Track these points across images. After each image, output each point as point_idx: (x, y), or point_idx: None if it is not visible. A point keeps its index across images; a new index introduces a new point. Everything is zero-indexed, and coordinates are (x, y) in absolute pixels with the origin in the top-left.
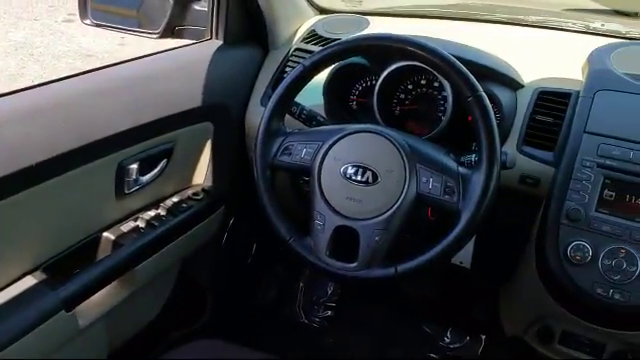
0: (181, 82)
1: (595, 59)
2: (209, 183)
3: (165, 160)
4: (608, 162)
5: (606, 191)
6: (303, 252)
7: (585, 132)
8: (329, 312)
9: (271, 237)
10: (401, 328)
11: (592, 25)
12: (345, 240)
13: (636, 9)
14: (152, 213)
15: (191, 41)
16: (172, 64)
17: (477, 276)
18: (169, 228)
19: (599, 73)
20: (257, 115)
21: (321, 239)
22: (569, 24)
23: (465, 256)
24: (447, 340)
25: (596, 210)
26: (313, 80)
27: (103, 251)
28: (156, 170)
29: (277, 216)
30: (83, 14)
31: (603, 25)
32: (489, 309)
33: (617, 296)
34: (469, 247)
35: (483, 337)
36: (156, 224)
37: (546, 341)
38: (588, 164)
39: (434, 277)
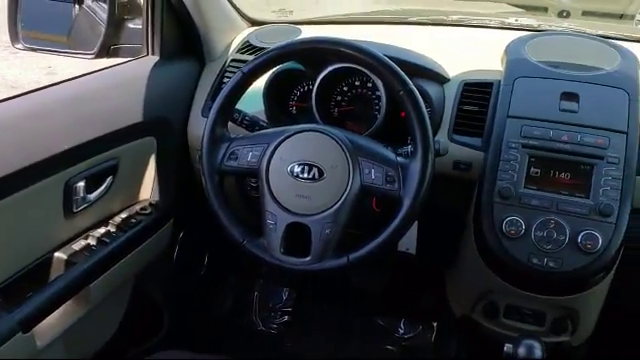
0: (120, 99)
1: (512, 50)
2: (156, 197)
3: (111, 177)
4: (531, 142)
5: (532, 169)
6: (258, 252)
7: (508, 117)
8: (286, 317)
9: (223, 247)
10: (356, 324)
11: (507, 21)
12: (298, 236)
13: (545, 5)
14: (102, 230)
15: (127, 59)
16: (110, 82)
17: (423, 262)
18: (119, 244)
19: (516, 62)
20: (199, 126)
21: (274, 238)
22: (486, 21)
23: (410, 242)
24: (401, 331)
25: (525, 187)
26: (253, 87)
27: (56, 271)
28: (102, 187)
29: (230, 220)
30: (14, 38)
31: (517, 20)
32: (438, 295)
33: (551, 264)
34: (413, 234)
35: (435, 324)
36: (107, 241)
37: (492, 316)
38: (514, 145)
39: (383, 270)
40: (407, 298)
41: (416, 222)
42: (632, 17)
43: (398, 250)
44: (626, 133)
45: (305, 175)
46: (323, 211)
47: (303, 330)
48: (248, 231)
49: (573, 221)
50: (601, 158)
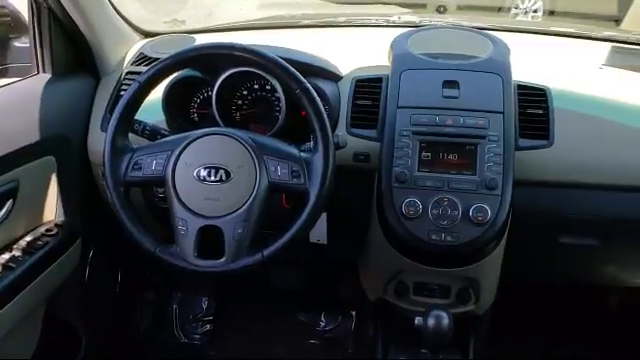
0: (13, 120)
1: (396, 46)
2: (61, 217)
3: (11, 200)
4: (420, 129)
5: (423, 153)
6: (171, 259)
7: (398, 107)
8: (208, 326)
9: (136, 263)
10: (279, 323)
11: (391, 19)
12: (211, 239)
13: (424, 2)
14: (7, 256)
15: (16, 79)
16: (1, 103)
17: (335, 251)
18: (26, 269)
19: (401, 57)
20: (99, 141)
21: (187, 243)
22: (372, 21)
23: (321, 233)
24: (322, 324)
25: (418, 170)
26: (152, 97)
27: None
28: (3, 211)
29: (139, 231)
30: None
31: (400, 18)
32: (353, 284)
33: (449, 238)
34: (323, 225)
35: (353, 313)
36: (12, 266)
37: (403, 295)
38: (405, 133)
39: (301, 267)
40: (325, 292)
41: (325, 213)
42: (508, 10)
43: (310, 242)
44: (502, 113)
45: (212, 178)
46: (234, 211)
47: (227, 336)
48: (159, 240)
49: (464, 197)
50: (483, 137)
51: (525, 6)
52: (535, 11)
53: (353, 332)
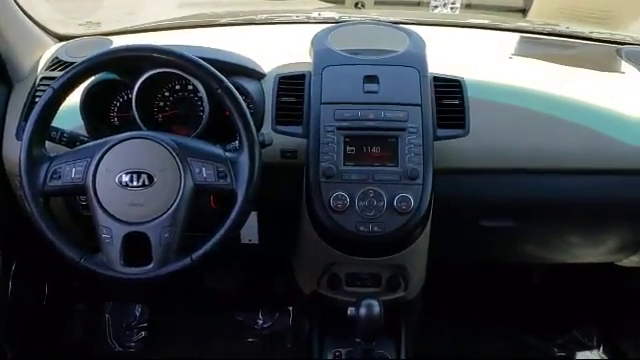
0: None
1: (317, 42)
2: None
3: None
4: (344, 124)
5: (348, 147)
6: (97, 269)
7: (322, 103)
8: (143, 333)
9: (64, 274)
10: (216, 324)
11: (311, 15)
12: (137, 246)
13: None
14: None
15: None
16: None
17: (268, 249)
18: None
19: (322, 53)
20: (15, 150)
21: (112, 251)
22: (293, 17)
23: (252, 233)
24: (260, 322)
25: (344, 164)
26: (69, 103)
27: None
28: None
29: (62, 242)
30: None
31: (319, 14)
32: (288, 279)
33: (376, 228)
34: (253, 224)
35: (290, 308)
36: None
37: (335, 286)
38: (330, 129)
39: (235, 266)
40: (261, 289)
41: (255, 212)
42: (427, 4)
43: (242, 242)
44: (420, 105)
45: (135, 183)
46: (159, 216)
47: (163, 341)
48: (83, 249)
49: (388, 188)
50: (403, 130)
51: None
52: (453, 3)
53: (291, 327)
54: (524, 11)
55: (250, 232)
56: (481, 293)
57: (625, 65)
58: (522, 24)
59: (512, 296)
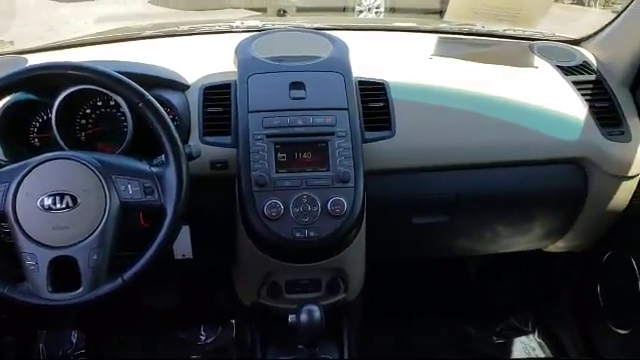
0: None
1: (241, 51)
2: None
3: None
4: (273, 131)
5: (279, 154)
6: (23, 297)
7: (249, 112)
8: None
9: None
10: (158, 345)
11: (234, 25)
12: (65, 270)
13: (264, 6)
14: None
15: None
16: None
17: (204, 263)
18: None
19: (247, 62)
20: None
21: (38, 278)
22: (215, 27)
23: (186, 248)
24: (203, 337)
25: (276, 172)
26: None
27: None
28: None
29: None
30: None
31: (242, 23)
32: (228, 292)
33: (312, 233)
34: (186, 239)
35: (233, 321)
36: None
37: (276, 295)
38: (259, 137)
39: (172, 284)
40: (201, 304)
41: (187, 227)
42: (353, 9)
43: (176, 258)
44: (347, 109)
45: (58, 205)
46: (86, 238)
47: None
48: (6, 278)
49: (321, 192)
50: (332, 134)
51: (367, 3)
52: (378, 7)
53: (234, 340)
54: (441, 13)
55: (183, 247)
56: (421, 288)
57: (538, 60)
58: (442, 25)
59: (450, 289)
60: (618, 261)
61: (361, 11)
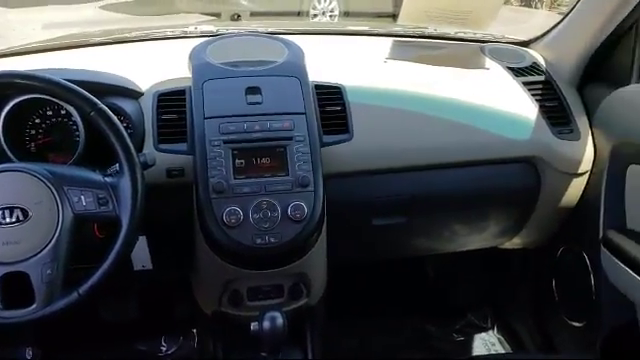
0: None
1: (195, 56)
2: None
3: None
4: (230, 137)
5: (237, 160)
6: None
7: (205, 118)
8: None
9: None
10: (117, 357)
11: (188, 30)
12: (18, 286)
13: (219, 11)
14: None
15: None
16: None
17: (164, 273)
18: None
19: (201, 67)
20: None
21: None
22: (168, 33)
23: (144, 259)
24: (164, 349)
25: (234, 178)
26: None
27: None
28: None
29: None
30: None
31: (196, 28)
32: (188, 301)
33: (272, 239)
34: (144, 249)
35: (194, 330)
36: None
37: (237, 303)
38: (216, 143)
39: (130, 296)
40: (161, 315)
41: (144, 237)
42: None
43: (135, 270)
44: (305, 114)
45: (7, 220)
46: (38, 252)
47: None
48: None
49: (281, 198)
50: (290, 139)
51: (322, 7)
52: (332, 11)
53: (196, 350)
54: (394, 16)
55: (142, 258)
56: (382, 289)
57: (489, 62)
58: (396, 29)
59: (410, 288)
60: (571, 256)
61: (315, 15)
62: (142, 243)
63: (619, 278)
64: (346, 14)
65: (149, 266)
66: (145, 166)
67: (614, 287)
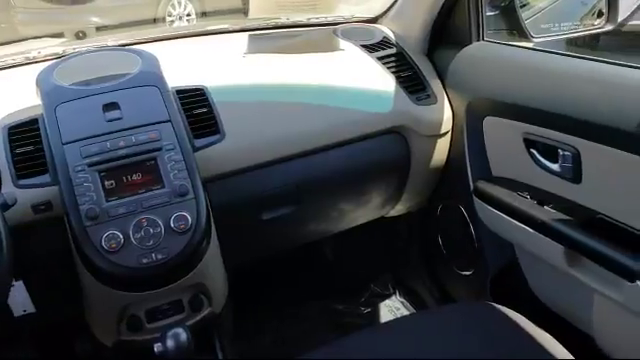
0: None
1: (42, 81)
2: None
3: None
4: (95, 159)
5: (106, 182)
6: None
7: (64, 144)
8: None
9: None
10: None
11: (30, 55)
12: None
13: (60, 30)
14: None
15: None
16: None
17: (50, 315)
18: None
19: (50, 92)
20: None
21: None
22: (9, 60)
23: (24, 303)
24: None
25: (107, 201)
26: None
27: None
28: None
29: None
30: None
31: (40, 52)
32: (87, 337)
33: (160, 256)
34: (22, 293)
35: None
36: None
37: (137, 328)
38: (80, 168)
39: (22, 342)
40: (61, 355)
41: (20, 281)
42: (164, 19)
43: (17, 316)
44: (170, 121)
45: None
46: None
47: None
48: None
49: (161, 211)
50: (159, 149)
51: (177, 12)
52: (189, 14)
53: None
54: (245, 12)
55: (23, 302)
56: (285, 279)
57: (343, 42)
58: (251, 23)
59: (312, 273)
60: (450, 211)
61: (173, 21)
62: (19, 288)
63: (494, 223)
64: (203, 15)
65: (32, 310)
66: (5, 207)
67: (492, 232)
